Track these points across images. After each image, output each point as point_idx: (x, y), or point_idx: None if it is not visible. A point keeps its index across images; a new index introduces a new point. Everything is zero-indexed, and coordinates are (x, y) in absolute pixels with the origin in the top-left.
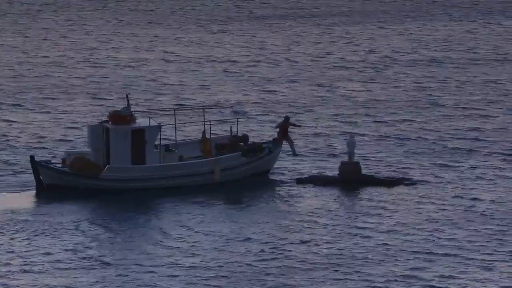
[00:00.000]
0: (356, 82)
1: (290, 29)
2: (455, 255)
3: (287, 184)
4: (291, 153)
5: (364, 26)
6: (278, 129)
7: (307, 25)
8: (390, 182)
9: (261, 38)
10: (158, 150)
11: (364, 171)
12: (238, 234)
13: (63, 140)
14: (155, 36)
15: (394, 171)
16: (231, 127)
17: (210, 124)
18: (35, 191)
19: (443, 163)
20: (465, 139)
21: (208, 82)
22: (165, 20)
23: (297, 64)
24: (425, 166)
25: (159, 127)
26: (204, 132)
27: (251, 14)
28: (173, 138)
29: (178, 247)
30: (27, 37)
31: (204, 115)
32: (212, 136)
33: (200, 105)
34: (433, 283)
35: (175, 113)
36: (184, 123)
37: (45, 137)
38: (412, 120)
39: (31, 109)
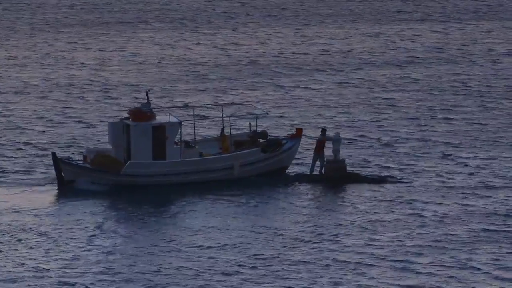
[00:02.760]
0: (330, 83)
1: (258, 28)
2: (440, 253)
3: (271, 182)
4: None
5: (339, 26)
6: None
7: (276, 25)
8: (375, 180)
9: (229, 37)
10: (179, 146)
11: (349, 169)
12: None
13: (82, 137)
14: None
15: (379, 169)
16: (249, 123)
17: (229, 121)
18: (56, 187)
19: (429, 161)
20: (445, 138)
21: (172, 82)
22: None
23: (268, 63)
24: (410, 164)
25: (179, 123)
26: (222, 129)
27: (219, 13)
28: (192, 135)
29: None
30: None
31: (222, 112)
32: (231, 134)
33: (219, 102)
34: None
35: (194, 111)
36: (204, 118)
37: (62, 134)
38: (396, 119)
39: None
